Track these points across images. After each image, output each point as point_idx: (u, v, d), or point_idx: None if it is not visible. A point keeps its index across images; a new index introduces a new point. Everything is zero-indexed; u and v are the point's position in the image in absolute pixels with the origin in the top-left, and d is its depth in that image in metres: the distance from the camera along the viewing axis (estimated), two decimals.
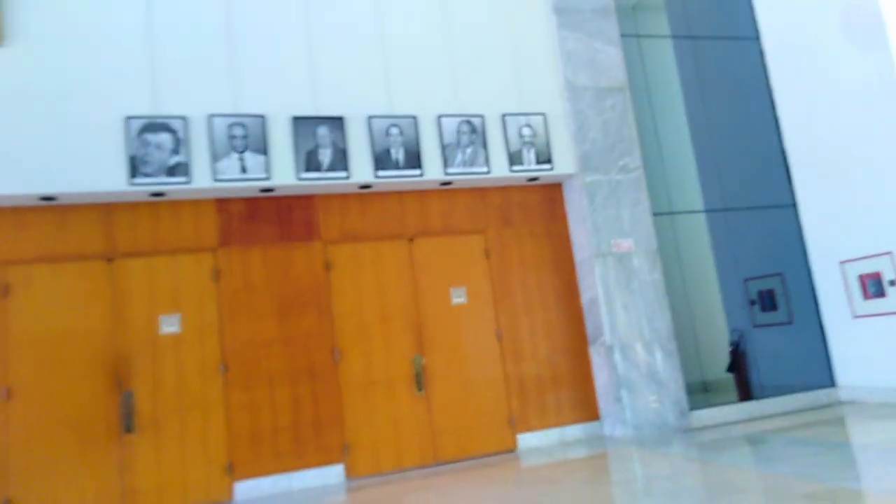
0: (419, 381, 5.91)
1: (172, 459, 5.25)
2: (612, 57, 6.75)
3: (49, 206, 5.30)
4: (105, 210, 5.43)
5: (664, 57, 7.82)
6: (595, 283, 6.27)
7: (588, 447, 5.89)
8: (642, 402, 6.12)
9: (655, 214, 6.70)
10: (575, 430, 6.29)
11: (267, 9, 5.85)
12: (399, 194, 6.20)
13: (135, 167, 5.25)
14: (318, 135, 5.74)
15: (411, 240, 6.18)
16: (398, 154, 5.94)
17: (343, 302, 5.87)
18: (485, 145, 6.20)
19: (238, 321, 5.59)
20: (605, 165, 6.49)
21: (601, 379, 6.31)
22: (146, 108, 5.37)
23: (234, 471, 5.36)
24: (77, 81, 5.25)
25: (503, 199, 6.52)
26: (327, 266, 5.89)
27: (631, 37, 7.31)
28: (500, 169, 6.23)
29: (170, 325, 5.43)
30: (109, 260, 5.39)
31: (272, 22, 5.84)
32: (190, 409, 5.36)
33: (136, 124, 5.30)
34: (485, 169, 6.17)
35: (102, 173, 5.18)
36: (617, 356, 6.14)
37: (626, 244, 6.39)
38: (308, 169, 5.68)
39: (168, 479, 5.21)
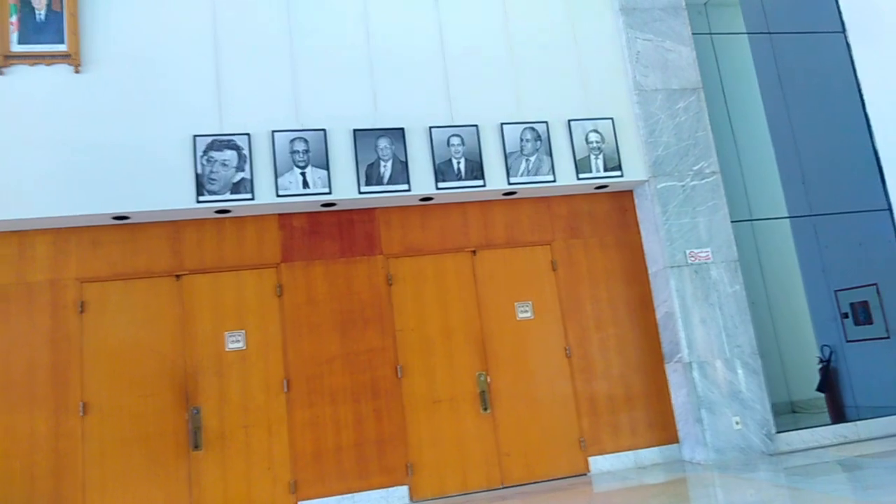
0: (484, 399, 5.73)
1: (238, 476, 5.26)
2: (683, 56, 6.42)
3: (121, 225, 5.45)
4: (173, 228, 5.55)
5: (740, 55, 7.40)
6: (670, 295, 5.93)
7: (666, 472, 5.54)
8: (724, 423, 5.72)
9: (734, 222, 6.30)
10: (651, 454, 5.94)
11: (327, 24, 5.87)
12: (461, 206, 6.07)
13: (201, 185, 5.34)
14: (379, 147, 5.69)
15: (474, 252, 6.03)
16: (459, 164, 5.82)
17: (405, 317, 5.78)
18: (550, 153, 6.00)
19: (301, 337, 5.58)
20: (679, 171, 6.16)
21: (679, 399, 5.95)
22: (212, 126, 5.46)
23: (298, 489, 5.32)
24: (147, 104, 5.40)
25: (570, 208, 6.29)
26: (389, 280, 5.81)
27: (703, 34, 6.95)
28: (566, 177, 6.00)
29: (235, 342, 5.47)
30: (177, 277, 5.49)
31: (332, 36, 5.85)
32: (255, 426, 5.37)
33: (203, 142, 5.40)
34: (550, 177, 5.96)
35: (171, 192, 5.29)
36: (695, 374, 5.78)
37: (704, 254, 6.03)
38: (369, 182, 5.63)
39: (234, 496, 5.22)
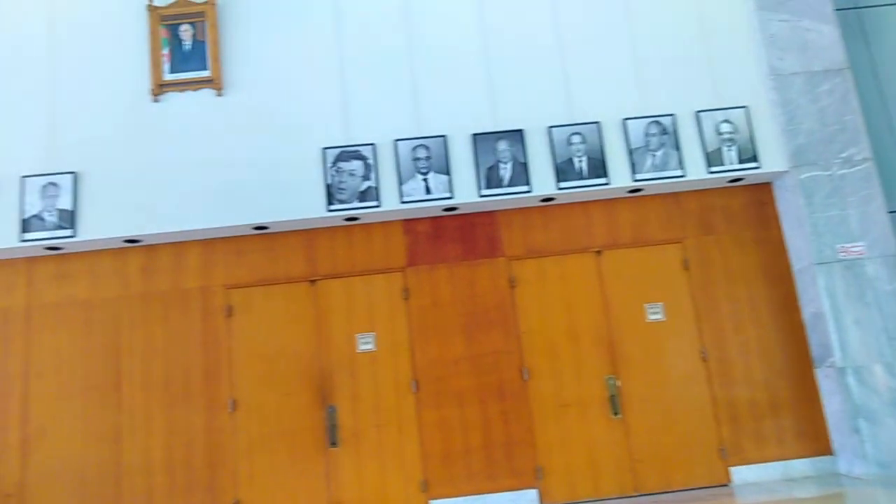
0: (614, 403, 5.58)
1: (372, 473, 5.48)
2: (825, 35, 5.93)
3: (261, 235, 5.87)
4: (307, 236, 5.90)
5: (893, 29, 6.71)
6: (818, 295, 5.48)
7: (819, 485, 5.12)
8: (887, 434, 5.19)
9: (892, 212, 5.72)
10: (802, 465, 5.51)
11: (444, 30, 6.00)
12: (584, 205, 5.96)
13: (331, 194, 5.64)
14: (498, 150, 5.73)
15: (599, 252, 5.90)
16: (581, 163, 5.72)
17: (529, 319, 5.76)
18: (677, 146, 5.75)
19: (427, 339, 5.73)
20: (825, 159, 5.69)
21: (832, 406, 5.47)
22: (339, 138, 5.75)
23: (428, 489, 5.45)
24: (280, 121, 5.79)
25: (701, 203, 5.99)
26: (511, 282, 5.82)
27: (848, 10, 6.38)
28: (696, 171, 5.73)
29: (365, 343, 5.71)
30: (312, 282, 5.83)
31: (448, 44, 5.97)
32: (386, 425, 5.57)
33: (332, 154, 5.70)
34: (679, 172, 5.71)
35: (304, 202, 5.63)
36: (850, 380, 5.29)
37: (857, 249, 5.51)
38: (489, 185, 5.68)
39: (369, 492, 5.44)
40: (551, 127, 5.76)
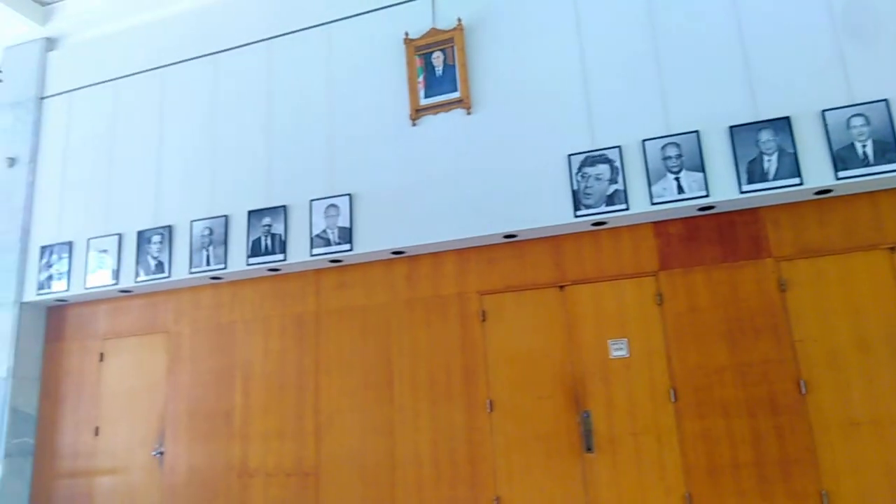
0: None
1: (631, 483, 5.45)
2: None
3: (510, 243, 6.21)
4: (554, 242, 6.09)
5: None
6: None
7: None
8: None
9: None
10: None
11: (692, 23, 5.79)
12: (870, 196, 5.30)
13: (578, 200, 5.76)
14: (761, 141, 5.36)
15: (893, 250, 5.19)
16: (865, 148, 5.10)
17: (805, 326, 5.27)
18: None
19: (685, 346, 5.54)
20: None
21: None
22: (584, 144, 5.86)
23: (693, 503, 5.25)
24: (525, 132, 6.08)
25: None
26: (781, 286, 5.38)
27: None
28: None
29: (618, 349, 5.71)
30: (560, 287, 5.99)
31: (698, 33, 5.74)
32: (643, 434, 5.50)
33: (577, 160, 5.82)
34: None
35: (551, 209, 5.83)
36: None
37: None
38: (751, 180, 5.33)
39: (628, 501, 5.43)
40: (826, 110, 5.22)
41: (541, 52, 6.20)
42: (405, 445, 6.18)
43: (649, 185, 5.59)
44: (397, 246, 6.31)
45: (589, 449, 5.61)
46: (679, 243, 5.74)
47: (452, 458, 6.01)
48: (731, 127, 5.45)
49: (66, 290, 7.49)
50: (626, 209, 5.63)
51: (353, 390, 6.47)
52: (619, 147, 5.74)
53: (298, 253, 6.61)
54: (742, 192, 5.34)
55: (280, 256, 6.66)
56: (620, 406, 5.61)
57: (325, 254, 6.50)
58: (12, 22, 8.19)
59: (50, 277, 7.61)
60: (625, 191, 5.66)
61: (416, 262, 6.52)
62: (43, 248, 7.72)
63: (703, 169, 5.47)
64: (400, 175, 6.42)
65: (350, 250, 6.42)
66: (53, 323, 7.93)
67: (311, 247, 6.56)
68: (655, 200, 5.56)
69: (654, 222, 5.82)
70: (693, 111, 5.62)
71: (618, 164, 5.72)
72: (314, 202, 6.62)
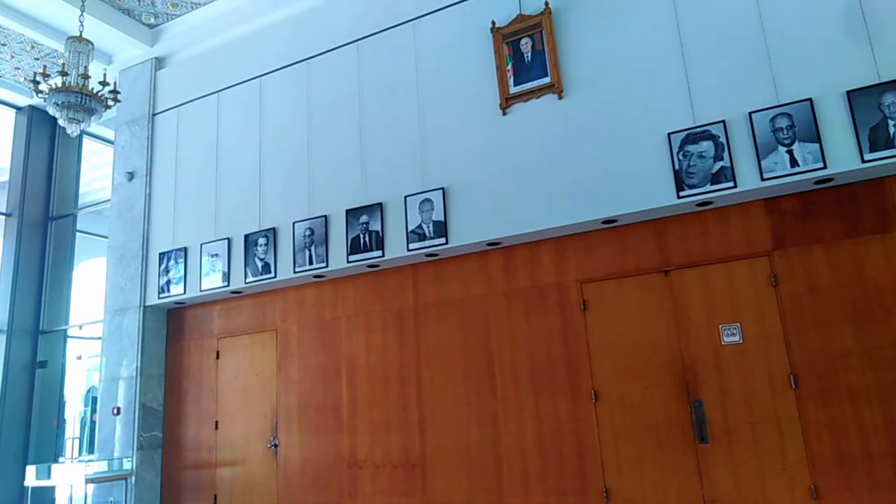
0: None
1: (749, 474, 5.26)
2: None
3: (609, 229, 6.13)
4: (656, 226, 5.96)
5: None
6: None
7: None
8: None
9: None
10: None
11: None
12: None
13: (680, 180, 5.61)
14: (884, 105, 5.00)
15: None
16: None
17: None
18: None
19: (804, 330, 5.28)
20: None
21: None
22: (685, 121, 5.69)
23: (820, 496, 5.01)
24: (621, 113, 5.97)
25: None
26: None
27: None
28: None
29: (730, 335, 5.52)
30: (665, 272, 5.86)
31: None
32: (761, 423, 5.29)
33: (677, 139, 5.67)
34: None
35: (653, 191, 5.70)
36: None
37: None
38: (874, 148, 4.99)
39: (747, 493, 5.24)
40: None
41: (633, 28, 6.06)
42: (510, 437, 6.25)
43: (758, 159, 5.35)
44: (493, 237, 6.39)
45: (703, 439, 5.45)
46: (794, 220, 5.46)
47: (558, 450, 6.02)
48: (849, 91, 5.12)
49: (183, 294, 8.10)
50: (734, 187, 5.41)
51: (455, 382, 6.61)
52: (723, 121, 5.53)
53: (395, 249, 6.83)
54: (865, 162, 5.01)
55: (378, 253, 6.91)
56: (735, 394, 5.42)
57: (421, 248, 6.68)
58: (126, 46, 8.93)
59: (168, 282, 8.26)
60: (732, 167, 5.45)
61: (513, 253, 6.56)
62: (161, 255, 8.39)
63: (818, 139, 5.17)
64: (492, 166, 6.48)
65: (445, 244, 6.56)
66: (173, 324, 8.61)
67: (408, 242, 6.75)
68: (766, 176, 5.31)
69: (766, 199, 5.57)
70: (804, 77, 5.32)
71: (722, 139, 5.51)
72: (408, 198, 6.81)
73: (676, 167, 5.64)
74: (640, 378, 5.79)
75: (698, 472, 5.43)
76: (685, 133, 5.65)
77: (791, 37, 5.42)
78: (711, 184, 5.50)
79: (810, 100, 5.23)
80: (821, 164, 5.14)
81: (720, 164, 5.49)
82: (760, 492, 5.20)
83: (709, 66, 5.69)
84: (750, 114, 5.43)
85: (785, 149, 5.27)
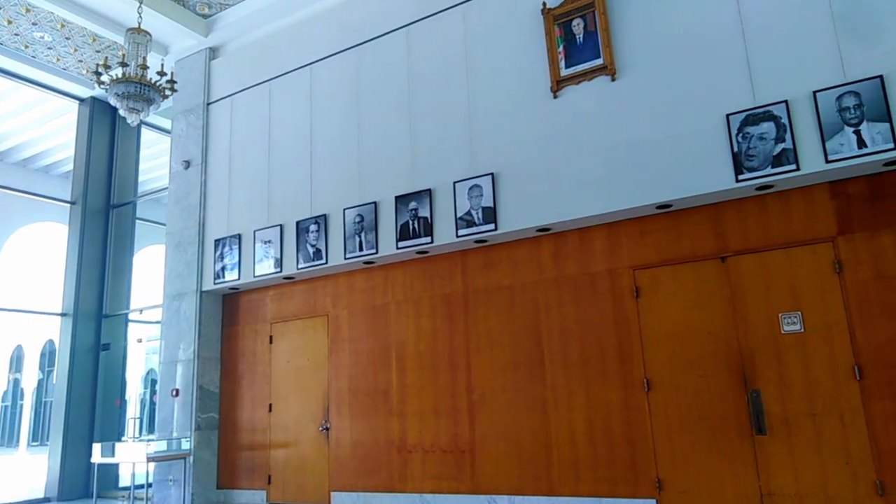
0: None
1: (810, 468, 5.15)
2: None
3: (664, 214, 6.06)
4: (713, 210, 5.85)
5: None
6: None
7: None
8: None
9: None
10: None
11: None
12: None
13: (739, 163, 5.49)
14: None
15: None
16: None
17: None
18: None
19: (871, 318, 5.12)
20: None
21: None
22: (744, 101, 5.56)
23: (886, 492, 4.87)
24: (677, 94, 5.87)
25: None
26: None
27: None
28: None
29: (791, 324, 5.39)
30: (722, 259, 5.76)
31: None
32: (823, 415, 5.17)
33: (737, 120, 5.54)
34: None
35: (710, 175, 5.60)
36: None
37: None
38: None
39: (807, 487, 5.14)
40: None
41: (690, 5, 5.93)
42: (560, 424, 6.28)
43: (823, 141, 5.19)
44: (543, 223, 6.39)
45: (760, 430, 5.37)
46: (862, 204, 5.28)
47: (609, 438, 6.02)
48: None
49: (238, 279, 8.40)
50: (797, 170, 5.27)
51: (504, 369, 6.67)
52: (785, 102, 5.37)
53: (444, 235, 6.91)
54: None
55: (427, 239, 7.00)
56: (795, 385, 5.30)
57: (470, 235, 6.74)
58: (181, 37, 9.25)
59: (223, 268, 8.57)
60: (794, 149, 5.30)
61: (563, 239, 6.56)
62: (217, 241, 8.71)
63: (888, 118, 4.98)
64: (543, 150, 6.47)
65: (494, 230, 6.60)
66: (228, 309, 8.94)
67: (457, 228, 6.82)
68: (832, 158, 5.15)
69: (831, 182, 5.40)
70: (874, 54, 5.12)
71: (784, 120, 5.36)
72: (457, 184, 6.87)
73: (735, 150, 5.52)
74: (695, 367, 5.72)
75: (755, 465, 5.36)
76: (745, 114, 5.52)
77: (859, 10, 5.22)
78: (772, 167, 5.37)
79: (881, 77, 5.04)
80: (891, 145, 4.95)
81: (781, 145, 5.35)
82: (822, 486, 5.10)
83: (771, 43, 5.53)
84: (814, 93, 5.26)
85: (852, 129, 5.10)
